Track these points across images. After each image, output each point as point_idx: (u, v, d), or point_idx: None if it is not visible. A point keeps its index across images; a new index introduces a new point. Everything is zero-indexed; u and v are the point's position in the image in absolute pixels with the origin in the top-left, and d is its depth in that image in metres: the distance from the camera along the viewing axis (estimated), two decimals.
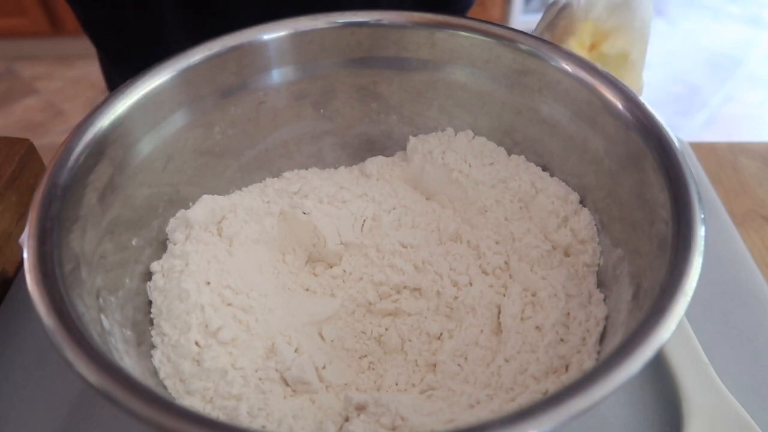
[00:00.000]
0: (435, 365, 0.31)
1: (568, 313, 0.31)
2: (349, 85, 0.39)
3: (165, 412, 0.20)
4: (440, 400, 0.29)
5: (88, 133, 0.29)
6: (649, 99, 0.31)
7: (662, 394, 0.32)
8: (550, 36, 0.38)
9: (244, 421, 0.28)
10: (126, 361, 0.27)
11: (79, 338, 0.22)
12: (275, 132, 0.39)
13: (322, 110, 0.39)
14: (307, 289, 0.35)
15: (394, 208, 0.37)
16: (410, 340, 0.32)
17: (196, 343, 0.30)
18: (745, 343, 0.35)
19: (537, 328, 0.31)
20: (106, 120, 0.30)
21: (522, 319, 0.32)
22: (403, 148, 0.40)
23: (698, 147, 0.50)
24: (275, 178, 0.40)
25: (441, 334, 0.32)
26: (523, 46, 0.35)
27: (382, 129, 0.41)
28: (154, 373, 0.30)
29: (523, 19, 1.92)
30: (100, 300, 0.28)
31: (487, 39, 0.36)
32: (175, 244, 0.34)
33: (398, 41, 0.37)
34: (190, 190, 0.36)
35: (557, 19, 0.38)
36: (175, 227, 0.35)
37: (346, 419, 0.28)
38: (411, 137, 0.40)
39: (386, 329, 0.33)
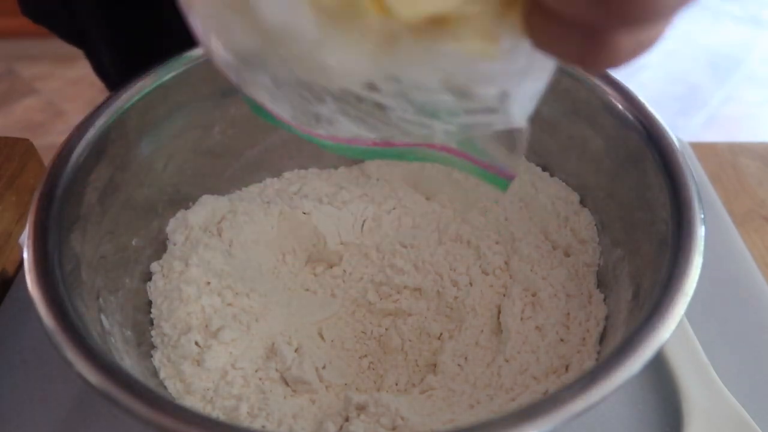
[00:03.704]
0: (435, 365, 0.31)
1: (568, 313, 0.31)
2: None
3: (165, 412, 0.20)
4: (440, 400, 0.29)
5: (88, 133, 0.29)
6: (649, 99, 0.31)
7: (662, 394, 0.32)
8: None
9: (244, 421, 0.28)
10: (126, 361, 0.27)
11: (79, 338, 0.22)
12: (275, 132, 0.39)
13: None
14: (307, 289, 0.35)
15: (394, 208, 0.37)
16: (410, 340, 0.32)
17: (197, 344, 0.30)
18: (745, 343, 0.35)
19: (537, 328, 0.31)
20: (106, 120, 0.30)
21: (522, 319, 0.32)
22: None
23: (698, 147, 0.50)
24: (275, 178, 0.40)
25: (441, 334, 0.32)
26: None
27: None
28: (155, 373, 0.30)
29: None
30: (100, 300, 0.28)
31: None
32: (174, 245, 0.34)
33: None
34: (190, 190, 0.36)
35: None
36: (175, 228, 0.35)
37: (346, 419, 0.28)
38: None
39: (386, 329, 0.33)
